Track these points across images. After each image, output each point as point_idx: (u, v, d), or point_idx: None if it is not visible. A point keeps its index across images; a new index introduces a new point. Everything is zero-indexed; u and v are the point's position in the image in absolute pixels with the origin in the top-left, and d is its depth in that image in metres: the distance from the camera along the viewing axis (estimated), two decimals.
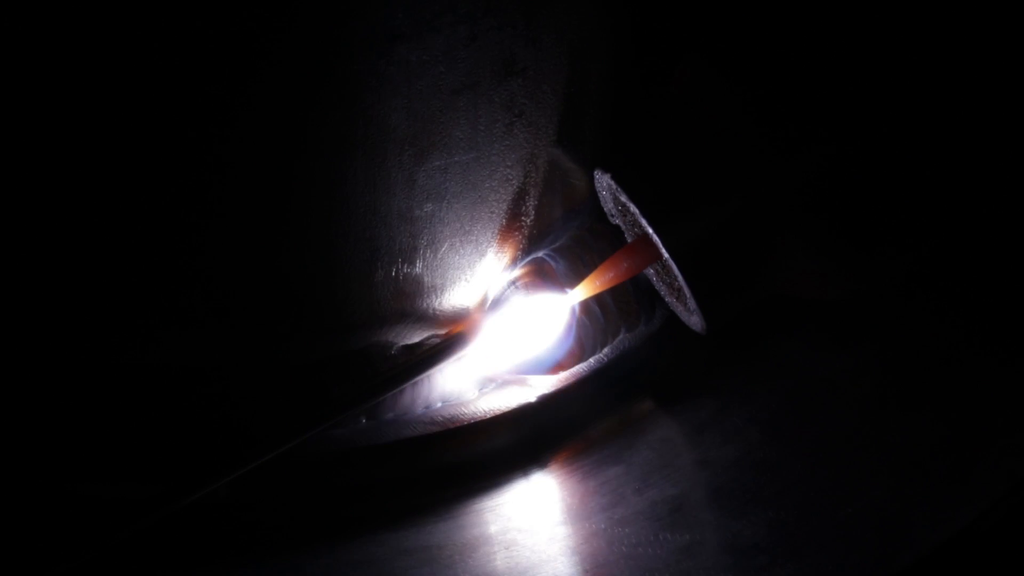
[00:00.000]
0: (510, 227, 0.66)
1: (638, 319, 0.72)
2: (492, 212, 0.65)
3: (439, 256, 0.64)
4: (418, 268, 0.63)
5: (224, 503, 0.62)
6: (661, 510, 0.60)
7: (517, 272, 0.69)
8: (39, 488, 0.62)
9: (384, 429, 0.66)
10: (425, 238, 0.62)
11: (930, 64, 0.65)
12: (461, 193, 0.62)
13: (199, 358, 0.62)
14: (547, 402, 0.69)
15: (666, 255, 0.63)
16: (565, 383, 0.71)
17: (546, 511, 0.62)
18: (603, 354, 0.72)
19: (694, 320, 0.67)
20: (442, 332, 0.67)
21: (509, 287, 0.68)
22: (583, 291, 0.67)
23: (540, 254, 0.70)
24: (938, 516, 0.54)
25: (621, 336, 0.72)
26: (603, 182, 0.67)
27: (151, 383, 0.62)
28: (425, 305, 0.65)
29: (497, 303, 0.68)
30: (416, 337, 0.66)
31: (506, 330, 0.67)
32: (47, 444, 0.62)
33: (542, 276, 0.69)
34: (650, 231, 0.63)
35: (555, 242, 0.70)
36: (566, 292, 0.67)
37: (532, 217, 0.67)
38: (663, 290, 0.70)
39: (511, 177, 0.64)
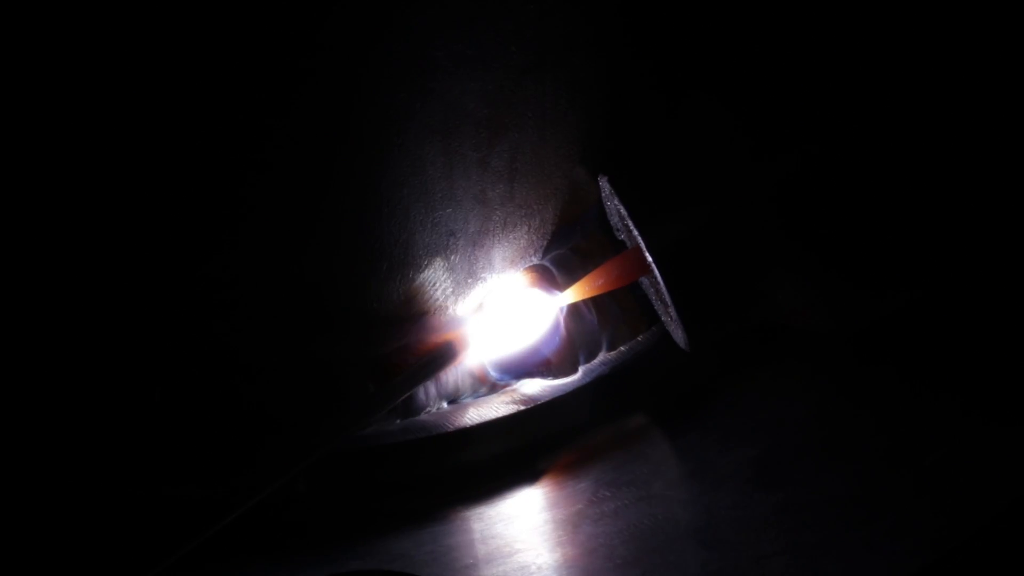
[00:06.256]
0: (571, 202, 0.67)
1: (640, 326, 0.73)
2: (556, 189, 0.65)
3: (509, 237, 0.64)
4: (489, 250, 0.63)
5: None
6: (748, 471, 0.60)
7: (519, 276, 0.69)
8: (125, 491, 0.61)
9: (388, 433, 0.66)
10: (496, 219, 0.63)
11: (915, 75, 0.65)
12: (529, 172, 0.63)
13: (262, 355, 0.62)
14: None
15: (650, 260, 0.63)
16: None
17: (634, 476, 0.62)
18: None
19: (679, 334, 0.67)
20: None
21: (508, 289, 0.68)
22: (572, 295, 0.66)
23: (541, 262, 0.70)
24: None
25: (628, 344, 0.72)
26: (606, 190, 0.67)
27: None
28: (492, 286, 0.66)
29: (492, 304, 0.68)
30: (483, 320, 0.66)
31: (495, 329, 0.67)
32: (131, 449, 0.61)
33: (545, 279, 0.69)
34: (635, 232, 0.63)
35: (555, 251, 0.70)
36: (555, 294, 0.67)
37: (590, 192, 0.68)
38: (659, 308, 0.70)
39: (572, 154, 0.65)
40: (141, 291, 0.56)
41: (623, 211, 0.64)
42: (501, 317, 0.67)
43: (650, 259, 0.63)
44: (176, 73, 0.50)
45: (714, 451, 0.64)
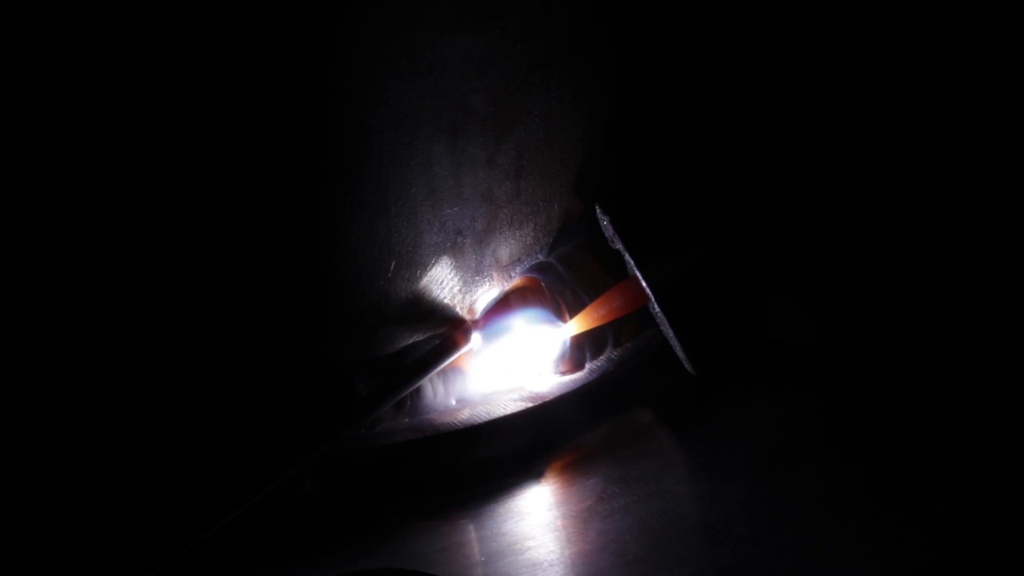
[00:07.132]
0: (575, 200, 0.67)
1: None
2: (562, 186, 0.65)
3: (516, 235, 0.64)
4: (496, 247, 0.63)
5: None
6: (758, 466, 0.61)
7: (514, 280, 0.69)
8: (131, 490, 0.61)
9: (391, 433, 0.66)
10: (503, 217, 0.63)
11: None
12: (536, 170, 0.63)
13: (270, 353, 0.62)
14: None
15: (652, 300, 0.65)
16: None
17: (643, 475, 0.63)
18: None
19: (686, 361, 0.68)
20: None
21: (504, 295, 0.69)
22: (577, 326, 0.67)
23: (547, 259, 0.70)
24: None
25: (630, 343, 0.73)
26: (604, 222, 0.67)
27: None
28: (500, 283, 0.66)
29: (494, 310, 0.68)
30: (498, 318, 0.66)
31: (501, 359, 0.68)
32: (137, 447, 0.61)
33: (535, 295, 0.69)
34: (638, 274, 0.65)
35: (561, 247, 0.70)
36: (559, 325, 0.68)
37: (593, 190, 0.68)
38: (666, 333, 0.69)
39: (577, 151, 0.65)
40: (153, 288, 0.56)
41: (621, 248, 0.65)
42: (505, 351, 0.67)
43: (652, 298, 0.64)
44: (216, 74, 0.51)
45: (723, 446, 0.64)
